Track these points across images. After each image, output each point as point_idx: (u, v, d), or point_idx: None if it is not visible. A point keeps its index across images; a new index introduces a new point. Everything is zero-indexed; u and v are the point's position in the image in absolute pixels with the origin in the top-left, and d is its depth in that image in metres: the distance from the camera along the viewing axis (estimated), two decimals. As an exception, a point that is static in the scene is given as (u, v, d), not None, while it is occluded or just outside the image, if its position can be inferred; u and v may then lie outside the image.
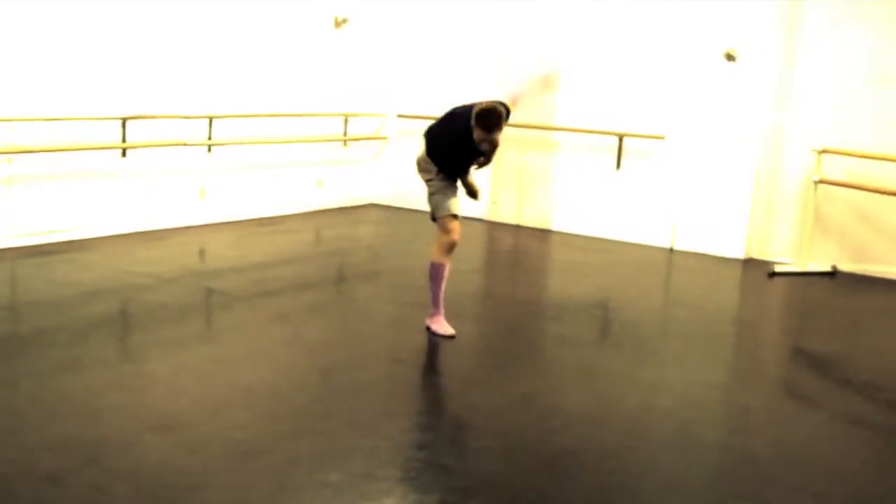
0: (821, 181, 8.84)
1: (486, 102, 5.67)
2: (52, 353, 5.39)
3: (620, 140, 10.06)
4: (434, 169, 5.93)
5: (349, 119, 11.23)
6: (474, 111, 5.64)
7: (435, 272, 6.02)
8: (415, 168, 6.05)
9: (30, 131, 7.89)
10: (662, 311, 7.69)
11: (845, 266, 9.08)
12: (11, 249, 7.83)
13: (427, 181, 5.99)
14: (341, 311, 7.06)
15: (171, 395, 4.85)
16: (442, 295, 6.06)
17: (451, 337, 5.99)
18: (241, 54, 9.71)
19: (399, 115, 11.55)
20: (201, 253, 8.67)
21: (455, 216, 5.94)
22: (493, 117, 5.61)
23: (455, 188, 6.01)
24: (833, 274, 8.99)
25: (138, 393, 4.86)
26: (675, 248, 9.87)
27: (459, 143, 5.77)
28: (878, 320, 7.73)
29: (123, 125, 8.56)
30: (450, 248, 5.98)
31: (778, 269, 9.00)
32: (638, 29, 9.99)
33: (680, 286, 8.89)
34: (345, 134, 11.21)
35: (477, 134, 5.63)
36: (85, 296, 6.76)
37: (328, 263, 8.77)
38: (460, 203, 6.03)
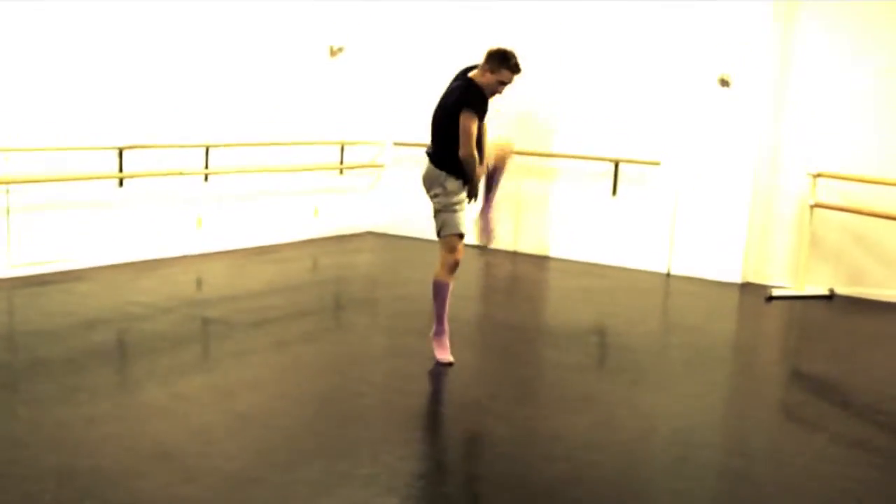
0: (816, 205, 8.88)
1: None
2: (50, 383, 5.37)
3: (616, 166, 10.09)
4: (442, 179, 5.87)
5: (345, 147, 11.25)
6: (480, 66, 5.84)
7: (438, 290, 5.99)
8: (421, 186, 6.01)
9: (26, 161, 7.90)
10: (660, 336, 7.68)
11: (842, 289, 9.10)
12: (9, 279, 7.83)
13: (434, 196, 5.92)
14: (338, 339, 7.04)
15: (169, 424, 4.83)
16: (446, 314, 6.05)
17: (449, 364, 5.98)
18: (238, 83, 9.75)
19: (395, 143, 11.58)
20: (198, 282, 8.67)
21: (462, 235, 5.91)
22: (501, 52, 5.78)
23: (463, 203, 5.95)
24: (830, 297, 9.00)
25: (136, 423, 4.84)
26: (672, 272, 9.88)
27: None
28: (875, 343, 7.73)
29: (120, 155, 8.58)
30: (454, 267, 5.94)
31: (775, 292, 9.01)
32: (633, 55, 10.04)
33: (677, 311, 8.89)
34: (341, 162, 11.23)
35: (488, 78, 5.75)
36: (82, 325, 6.75)
37: (325, 292, 8.77)
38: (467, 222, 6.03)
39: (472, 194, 6.06)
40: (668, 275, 9.86)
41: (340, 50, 10.99)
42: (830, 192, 8.98)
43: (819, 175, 8.88)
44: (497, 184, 6.40)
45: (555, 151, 10.52)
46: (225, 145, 9.52)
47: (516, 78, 5.86)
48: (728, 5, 9.35)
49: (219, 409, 5.12)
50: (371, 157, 11.72)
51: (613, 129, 10.16)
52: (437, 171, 5.91)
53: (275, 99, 10.19)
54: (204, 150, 9.36)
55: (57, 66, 8.12)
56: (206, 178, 9.53)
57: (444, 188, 5.87)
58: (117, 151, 8.56)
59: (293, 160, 10.46)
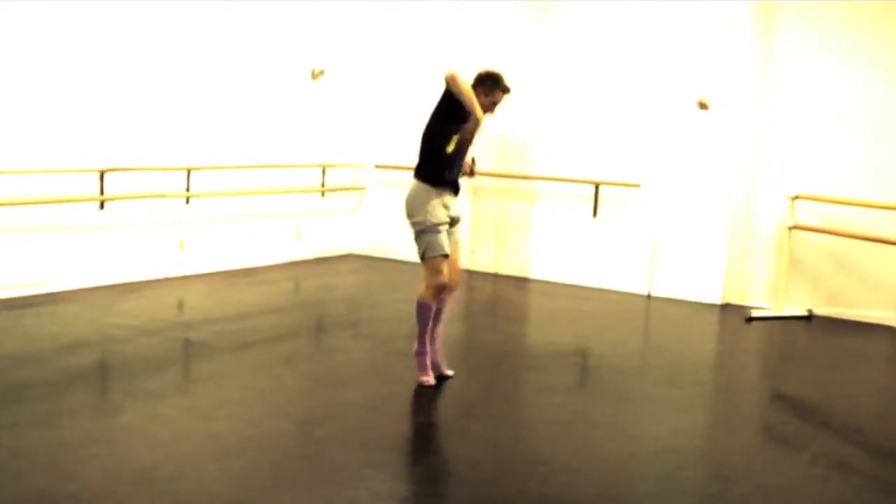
0: (795, 227, 8.96)
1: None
2: (30, 407, 5.35)
3: (597, 188, 10.15)
4: (423, 197, 5.87)
5: (327, 170, 11.27)
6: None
7: (421, 312, 6.00)
8: (404, 213, 5.99)
9: (7, 184, 7.88)
10: (641, 358, 7.71)
11: (821, 310, 9.17)
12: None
13: (415, 223, 5.92)
14: (320, 361, 7.03)
15: (149, 448, 4.81)
16: (429, 335, 6.07)
17: (430, 386, 5.99)
18: (219, 106, 9.76)
19: (377, 166, 11.61)
20: (180, 304, 8.64)
21: (446, 255, 5.91)
22: (492, 74, 5.96)
23: (447, 225, 5.96)
24: (809, 318, 9.07)
25: (116, 446, 4.82)
26: (653, 294, 9.93)
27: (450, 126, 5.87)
28: (854, 363, 7.78)
29: (101, 178, 8.56)
30: (440, 289, 5.94)
31: (755, 313, 9.07)
32: (612, 79, 10.13)
33: (658, 332, 8.92)
34: (323, 185, 11.25)
35: (481, 101, 5.84)
36: (63, 348, 6.72)
37: (307, 314, 8.76)
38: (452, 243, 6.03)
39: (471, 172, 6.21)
40: (648, 296, 9.91)
41: (322, 73, 11.03)
42: (808, 213, 9.07)
43: (797, 197, 8.98)
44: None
45: (536, 174, 10.58)
46: (207, 168, 9.53)
47: (507, 98, 6.04)
48: (706, 29, 9.45)
49: (200, 433, 5.11)
50: (353, 180, 11.74)
51: (594, 152, 10.24)
52: (420, 186, 5.92)
53: (257, 122, 10.20)
54: (185, 172, 9.37)
55: (38, 89, 8.12)
56: (187, 201, 9.53)
57: (426, 209, 5.87)
58: (98, 174, 8.55)
59: (275, 183, 10.47)
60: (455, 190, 6.05)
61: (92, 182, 8.55)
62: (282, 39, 10.48)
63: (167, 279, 9.32)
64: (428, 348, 6.07)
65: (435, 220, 5.88)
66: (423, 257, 5.94)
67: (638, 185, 9.94)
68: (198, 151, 9.51)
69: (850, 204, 8.72)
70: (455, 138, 5.86)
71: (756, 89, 9.49)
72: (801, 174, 9.25)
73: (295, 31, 10.64)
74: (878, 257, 8.90)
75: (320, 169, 11.17)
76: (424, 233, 5.89)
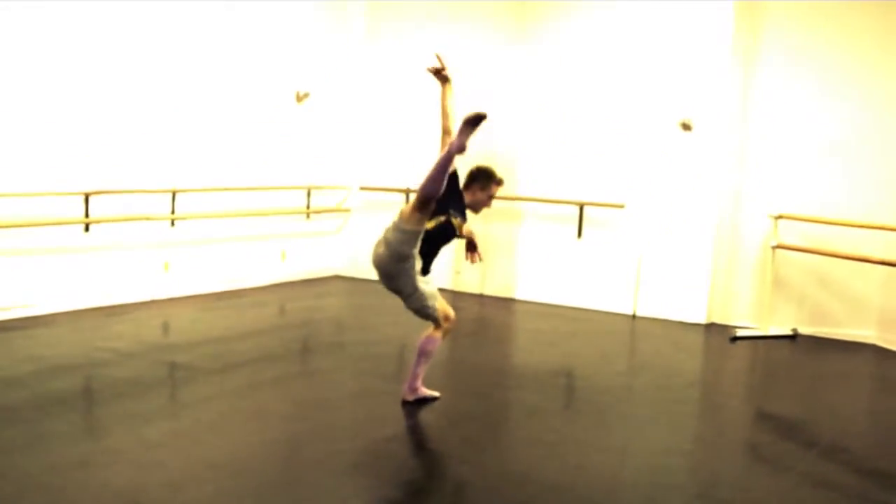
0: (778, 246, 9.01)
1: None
2: (15, 431, 5.32)
3: (581, 209, 10.19)
4: (403, 265, 5.70)
5: (312, 192, 11.28)
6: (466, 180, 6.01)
7: (428, 347, 6.13)
8: (380, 274, 5.79)
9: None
10: (627, 378, 7.72)
11: (805, 329, 9.23)
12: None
13: (397, 288, 5.77)
14: (306, 383, 7.02)
15: (136, 471, 4.79)
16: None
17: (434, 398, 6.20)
18: (204, 128, 9.78)
19: (362, 188, 11.64)
20: (165, 327, 8.62)
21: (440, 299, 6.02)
22: (484, 170, 6.05)
23: (426, 274, 5.90)
24: (794, 337, 9.12)
25: (102, 470, 4.80)
26: (638, 314, 9.96)
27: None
28: (838, 382, 7.83)
29: (86, 200, 8.56)
30: (452, 328, 6.18)
31: (740, 332, 9.11)
32: (596, 100, 10.19)
33: (643, 352, 8.94)
34: (308, 206, 11.26)
35: (479, 196, 6.04)
36: (48, 371, 6.69)
37: (292, 336, 8.75)
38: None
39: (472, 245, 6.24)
40: (633, 316, 9.95)
41: (307, 95, 11.06)
42: (792, 232, 9.12)
43: (780, 217, 9.03)
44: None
45: (521, 195, 10.62)
46: (192, 190, 9.53)
47: (498, 188, 6.13)
48: (689, 51, 9.52)
49: (186, 456, 5.09)
50: (338, 202, 11.76)
51: (578, 173, 10.29)
52: (399, 253, 5.67)
53: (242, 144, 10.22)
54: (171, 195, 9.37)
55: (22, 112, 8.12)
56: (172, 224, 9.53)
57: (406, 272, 5.72)
58: (83, 197, 8.54)
59: (260, 204, 10.48)
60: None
61: (77, 205, 8.54)
62: (267, 62, 10.51)
63: (153, 301, 9.31)
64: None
65: (415, 274, 5.76)
66: (425, 312, 5.93)
67: (622, 206, 9.99)
68: (183, 174, 9.51)
69: (833, 223, 8.79)
70: (440, 219, 5.77)
71: (739, 110, 9.58)
72: (783, 194, 9.32)
73: (280, 53, 10.68)
74: (860, 276, 8.97)
75: (305, 191, 11.19)
76: (416, 289, 5.79)
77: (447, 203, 5.77)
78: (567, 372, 7.76)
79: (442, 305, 6.00)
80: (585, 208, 10.21)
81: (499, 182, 6.10)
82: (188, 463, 4.98)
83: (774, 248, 9.06)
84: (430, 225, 5.72)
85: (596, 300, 10.22)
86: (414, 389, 6.18)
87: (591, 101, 10.24)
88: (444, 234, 5.86)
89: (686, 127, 9.55)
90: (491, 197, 6.10)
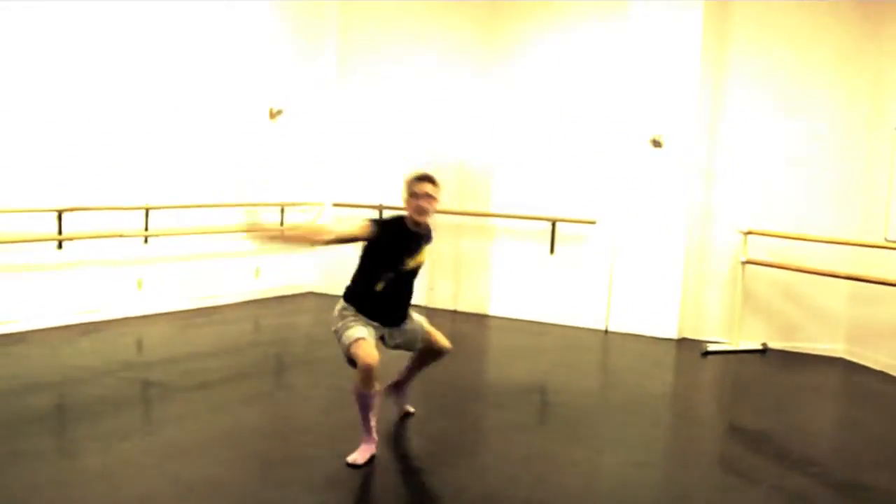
0: (748, 261, 9.11)
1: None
2: (-12, 450, 5.31)
3: (553, 225, 10.27)
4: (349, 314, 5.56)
5: (286, 208, 11.29)
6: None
7: (358, 400, 5.49)
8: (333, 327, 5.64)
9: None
10: (599, 393, 7.78)
11: (775, 343, 9.33)
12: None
13: (336, 329, 5.57)
14: (280, 400, 7.03)
15: (110, 490, 4.79)
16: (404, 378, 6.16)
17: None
18: (177, 145, 9.77)
19: (335, 204, 11.66)
20: (139, 344, 8.61)
21: (363, 338, 5.41)
22: (409, 178, 5.53)
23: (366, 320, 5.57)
24: (764, 351, 9.22)
25: (76, 488, 4.79)
26: (610, 329, 10.04)
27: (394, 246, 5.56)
28: (807, 396, 7.93)
29: (59, 217, 8.53)
30: (368, 374, 5.34)
31: (711, 347, 9.20)
32: (569, 117, 10.29)
33: (615, 367, 9.01)
34: (282, 223, 11.27)
35: (411, 203, 5.51)
36: (21, 389, 6.67)
37: (266, 353, 8.75)
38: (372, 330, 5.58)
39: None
40: (605, 331, 10.02)
41: (280, 112, 11.09)
42: (761, 248, 9.23)
43: (749, 232, 9.13)
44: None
45: (493, 211, 10.68)
46: (165, 207, 9.52)
47: (430, 187, 5.53)
48: (658, 67, 9.62)
49: (161, 475, 5.09)
50: (311, 218, 11.77)
51: (551, 190, 10.36)
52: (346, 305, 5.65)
53: (215, 161, 10.22)
54: (144, 212, 9.36)
55: (-5, 130, 8.10)
56: (146, 240, 9.51)
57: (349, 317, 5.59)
58: (56, 214, 8.51)
59: (234, 221, 10.47)
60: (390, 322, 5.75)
61: (50, 221, 8.51)
62: (240, 79, 10.53)
63: (126, 318, 9.28)
64: (374, 435, 5.54)
65: (351, 319, 5.56)
66: (346, 355, 5.52)
67: (594, 222, 10.07)
68: (156, 190, 9.50)
69: (801, 239, 8.90)
70: (386, 278, 5.59)
71: (708, 127, 9.68)
72: (752, 209, 9.44)
73: (253, 71, 10.71)
74: (828, 290, 9.09)
75: (279, 207, 11.19)
76: (338, 330, 5.56)
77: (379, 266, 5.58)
78: (540, 387, 7.81)
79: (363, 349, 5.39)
80: (558, 224, 10.28)
81: (420, 178, 5.53)
82: (162, 482, 4.97)
83: (744, 263, 9.16)
84: (378, 288, 5.59)
85: (568, 316, 10.28)
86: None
87: (562, 118, 10.34)
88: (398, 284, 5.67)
89: (656, 144, 9.64)
90: (416, 195, 5.50)
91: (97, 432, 5.74)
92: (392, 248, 5.54)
